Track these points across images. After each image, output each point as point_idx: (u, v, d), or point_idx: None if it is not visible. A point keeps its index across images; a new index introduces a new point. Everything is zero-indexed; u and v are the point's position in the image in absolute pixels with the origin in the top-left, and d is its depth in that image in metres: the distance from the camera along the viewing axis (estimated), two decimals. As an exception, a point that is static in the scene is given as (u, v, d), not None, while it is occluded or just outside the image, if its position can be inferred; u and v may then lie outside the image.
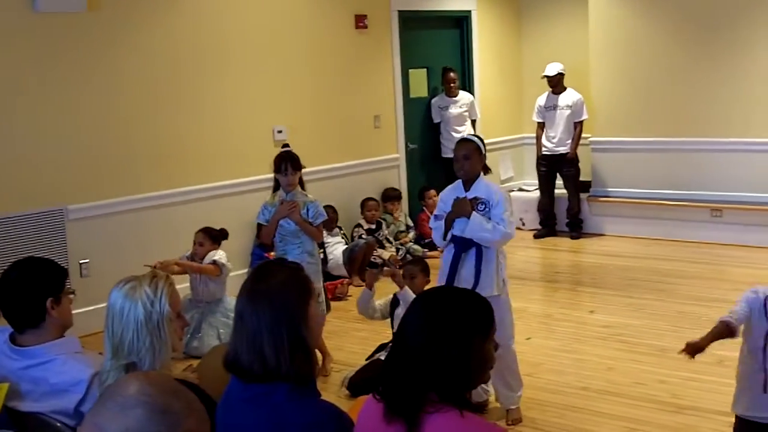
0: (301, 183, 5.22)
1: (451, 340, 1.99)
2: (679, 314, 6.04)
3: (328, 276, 6.84)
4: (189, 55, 6.79)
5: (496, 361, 2.13)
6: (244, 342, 2.19)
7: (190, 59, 6.80)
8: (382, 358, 4.58)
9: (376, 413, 2.05)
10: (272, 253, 5.91)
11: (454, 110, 8.83)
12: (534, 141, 8.99)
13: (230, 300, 5.76)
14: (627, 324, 5.91)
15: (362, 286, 5.57)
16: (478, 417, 2.05)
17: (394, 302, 4.80)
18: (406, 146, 8.75)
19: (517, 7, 9.86)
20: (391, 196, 8.35)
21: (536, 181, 9.09)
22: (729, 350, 3.46)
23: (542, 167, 8.84)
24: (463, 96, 8.90)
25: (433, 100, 8.97)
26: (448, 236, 4.35)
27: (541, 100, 8.80)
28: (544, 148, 8.78)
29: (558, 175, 8.81)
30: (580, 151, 8.68)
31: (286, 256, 4.94)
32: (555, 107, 8.67)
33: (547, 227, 8.93)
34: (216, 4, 6.96)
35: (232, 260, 6.05)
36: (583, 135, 8.67)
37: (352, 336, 5.98)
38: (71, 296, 2.87)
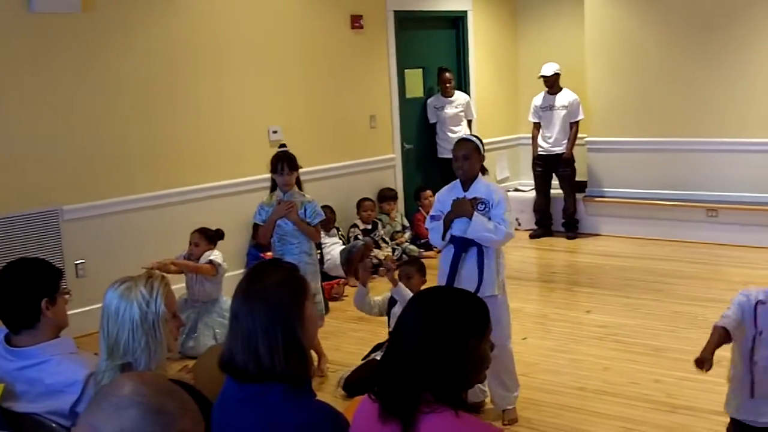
0: (299, 183, 5.23)
1: (447, 341, 1.99)
2: (675, 314, 6.05)
3: (325, 276, 6.83)
4: (184, 55, 6.78)
5: (493, 361, 2.13)
6: (239, 342, 2.19)
7: (185, 59, 6.79)
8: (378, 358, 4.58)
9: (371, 413, 2.05)
10: (268, 254, 5.91)
11: (449, 110, 8.83)
12: (530, 141, 9.00)
13: (226, 300, 5.75)
14: (623, 324, 5.92)
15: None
16: (474, 417, 2.05)
17: (392, 301, 4.80)
18: (402, 146, 8.76)
19: (512, 8, 9.86)
20: (387, 196, 8.35)
21: (532, 182, 9.10)
22: (724, 350, 3.45)
23: (538, 167, 8.85)
24: (458, 96, 8.90)
25: (428, 101, 8.97)
26: (447, 236, 4.35)
27: (537, 100, 8.80)
28: (540, 149, 8.79)
29: (554, 175, 8.82)
30: (575, 151, 8.68)
31: (284, 257, 4.94)
32: (551, 107, 8.68)
33: (543, 227, 8.94)
34: (211, 5, 6.96)
35: (228, 260, 6.04)
36: (579, 135, 8.69)
37: (348, 336, 5.98)
38: (66, 297, 2.87)
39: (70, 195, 6.13)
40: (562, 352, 5.46)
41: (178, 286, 5.57)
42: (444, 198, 4.43)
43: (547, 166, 8.78)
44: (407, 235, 8.31)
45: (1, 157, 5.80)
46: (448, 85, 8.80)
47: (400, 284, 4.56)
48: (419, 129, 8.98)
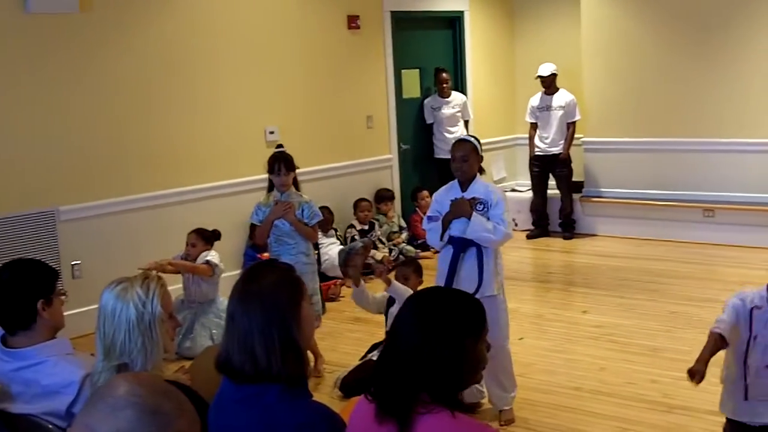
0: (296, 183, 5.23)
1: (444, 341, 1.99)
2: (671, 314, 6.06)
3: (322, 277, 6.83)
4: (181, 56, 6.78)
5: (491, 362, 2.13)
6: (236, 343, 2.19)
7: (182, 60, 6.79)
8: (375, 358, 4.58)
9: (368, 414, 2.05)
10: (265, 254, 5.91)
11: (446, 111, 8.83)
12: (527, 141, 9.00)
13: (223, 301, 5.74)
14: (619, 324, 5.92)
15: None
16: (470, 417, 2.05)
17: (390, 300, 4.79)
18: (399, 147, 8.76)
19: (509, 8, 9.87)
20: (383, 196, 8.35)
21: (529, 182, 9.10)
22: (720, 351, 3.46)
23: (535, 168, 8.86)
24: (455, 96, 8.90)
25: (425, 101, 8.97)
26: (446, 237, 4.35)
27: (534, 100, 8.81)
28: (536, 149, 8.79)
29: (551, 175, 8.83)
30: (572, 151, 8.69)
31: (281, 257, 4.94)
32: (548, 108, 8.69)
33: (539, 227, 8.94)
34: (208, 6, 6.96)
35: (224, 261, 6.04)
36: (575, 135, 8.69)
37: (345, 337, 5.98)
38: (62, 298, 2.87)
39: (66, 195, 6.12)
40: (558, 352, 5.47)
41: (175, 286, 5.57)
42: (441, 198, 4.44)
43: (544, 167, 8.78)
44: (404, 235, 8.31)
45: (-3, 157, 5.80)
46: (445, 85, 8.80)
47: (394, 282, 4.56)
48: (416, 129, 8.98)
